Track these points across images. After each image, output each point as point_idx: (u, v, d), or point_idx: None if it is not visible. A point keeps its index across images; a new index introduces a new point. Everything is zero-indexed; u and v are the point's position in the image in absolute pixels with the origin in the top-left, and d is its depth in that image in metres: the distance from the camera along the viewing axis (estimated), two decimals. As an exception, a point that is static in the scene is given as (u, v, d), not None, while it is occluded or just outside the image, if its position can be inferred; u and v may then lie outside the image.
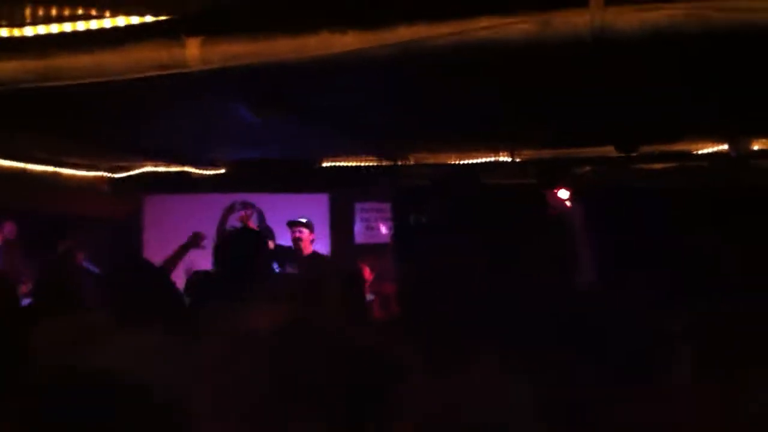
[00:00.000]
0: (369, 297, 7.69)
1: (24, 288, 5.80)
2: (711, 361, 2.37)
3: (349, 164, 7.77)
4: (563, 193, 7.65)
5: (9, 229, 6.85)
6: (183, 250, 5.01)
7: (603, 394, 2.34)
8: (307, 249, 7.13)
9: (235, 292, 3.32)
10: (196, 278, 4.51)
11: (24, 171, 7.26)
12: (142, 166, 8.13)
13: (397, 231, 9.24)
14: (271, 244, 8.40)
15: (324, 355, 2.17)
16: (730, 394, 2.24)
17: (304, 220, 7.09)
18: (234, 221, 9.52)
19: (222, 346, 2.47)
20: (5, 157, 6.92)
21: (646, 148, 6.52)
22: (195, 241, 5.13)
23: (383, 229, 9.34)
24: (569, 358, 2.57)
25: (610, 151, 6.52)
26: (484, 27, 2.68)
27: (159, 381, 2.25)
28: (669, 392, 2.27)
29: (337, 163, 7.81)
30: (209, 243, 9.43)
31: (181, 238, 7.21)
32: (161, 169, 8.08)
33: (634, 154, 6.49)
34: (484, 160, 7.23)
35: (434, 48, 2.75)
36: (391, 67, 2.79)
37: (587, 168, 7.10)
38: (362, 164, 7.76)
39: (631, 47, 2.74)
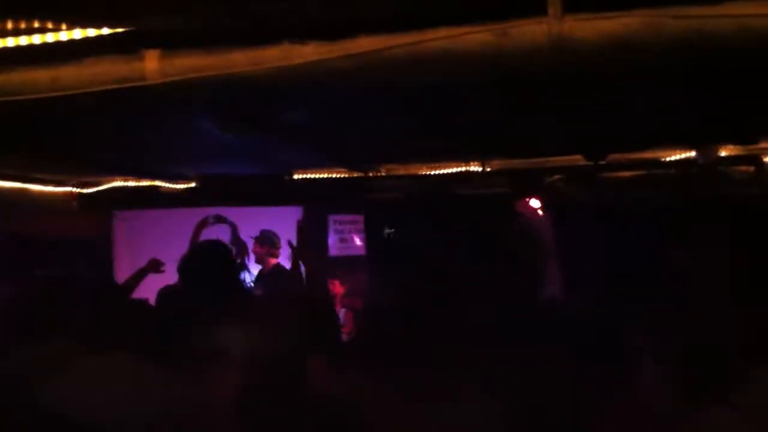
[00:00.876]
0: (340, 311, 7.67)
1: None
2: (676, 378, 2.38)
3: (321, 176, 7.75)
4: (534, 203, 7.69)
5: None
6: (141, 273, 4.93)
7: (565, 408, 2.34)
8: (270, 263, 7.15)
9: (199, 309, 3.28)
10: (164, 293, 4.45)
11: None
12: (112, 180, 8.05)
13: (370, 243, 9.23)
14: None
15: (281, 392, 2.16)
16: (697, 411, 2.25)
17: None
18: (208, 236, 9.47)
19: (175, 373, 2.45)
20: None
21: (615, 157, 6.56)
22: (152, 267, 5.03)
23: (357, 241, 9.33)
24: (534, 372, 2.57)
25: (579, 159, 6.56)
26: (443, 37, 2.69)
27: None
28: (631, 408, 2.27)
29: (309, 176, 7.79)
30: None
31: (154, 254, 7.15)
32: (131, 183, 8.00)
33: (603, 163, 6.54)
34: (455, 170, 7.24)
35: (394, 58, 2.75)
36: (351, 78, 2.78)
37: (557, 177, 7.13)
38: (334, 176, 7.74)
39: (591, 56, 2.75)
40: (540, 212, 7.79)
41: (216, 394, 2.28)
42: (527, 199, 7.49)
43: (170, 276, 5.29)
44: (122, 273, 7.02)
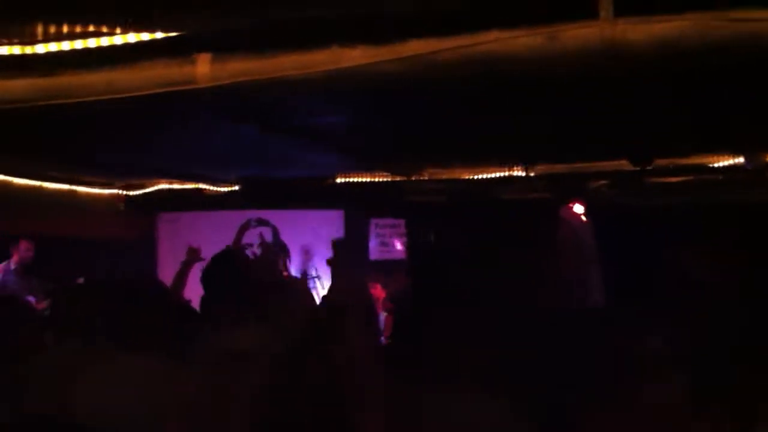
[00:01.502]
0: (381, 315, 7.67)
1: (40, 306, 5.82)
2: (713, 390, 2.34)
3: (363, 180, 7.77)
4: (577, 208, 7.61)
5: (25, 247, 6.85)
6: (185, 268, 4.94)
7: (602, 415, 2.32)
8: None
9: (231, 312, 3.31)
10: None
11: (40, 189, 7.31)
12: (157, 183, 8.17)
13: (412, 248, 9.22)
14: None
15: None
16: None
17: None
18: (250, 239, 9.54)
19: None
20: (22, 176, 6.97)
21: (661, 162, 6.47)
22: (192, 256, 5.04)
23: (398, 246, 9.33)
24: (571, 379, 2.55)
25: (624, 164, 6.48)
26: (493, 40, 2.67)
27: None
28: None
29: (352, 179, 7.81)
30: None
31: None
32: (176, 186, 8.11)
33: (649, 168, 6.45)
34: (498, 174, 7.20)
35: (443, 62, 2.74)
36: (399, 81, 2.78)
37: (602, 182, 7.05)
38: (376, 180, 7.75)
39: (642, 59, 2.72)
40: (583, 218, 7.72)
41: (245, 397, 2.30)
42: (571, 205, 7.42)
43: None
44: (166, 273, 7.11)
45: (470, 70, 2.83)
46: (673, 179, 6.92)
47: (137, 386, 2.58)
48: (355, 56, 2.74)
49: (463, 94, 3.57)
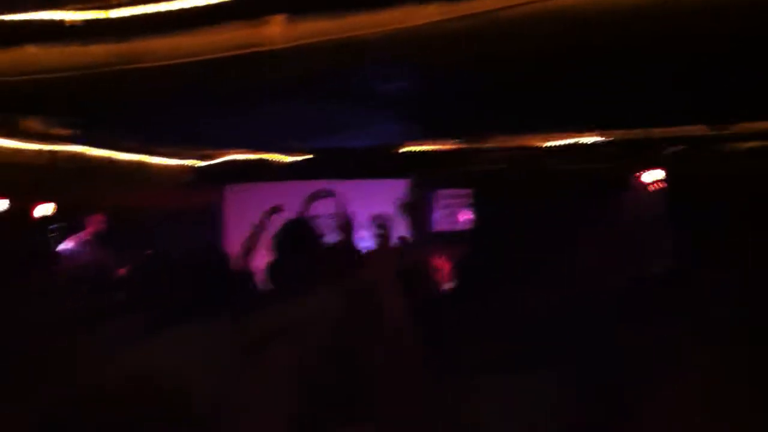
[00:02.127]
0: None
1: (118, 272, 5.95)
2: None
3: (430, 149, 7.70)
4: (650, 175, 7.41)
5: (98, 219, 6.98)
6: (259, 228, 4.81)
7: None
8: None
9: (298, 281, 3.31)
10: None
11: (112, 160, 7.44)
12: (226, 154, 8.25)
13: (478, 218, 9.14)
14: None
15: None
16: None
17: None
18: (317, 210, 9.59)
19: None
20: (95, 146, 7.10)
21: (740, 126, 6.23)
22: (271, 213, 4.92)
23: (464, 216, 9.25)
24: (646, 350, 2.48)
25: (701, 129, 6.26)
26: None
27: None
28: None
29: (418, 148, 7.76)
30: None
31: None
32: (244, 157, 8.17)
33: (727, 132, 6.21)
34: (568, 141, 7.04)
35: (517, 17, 2.67)
36: (472, 38, 2.71)
37: (677, 148, 6.82)
38: (443, 148, 7.67)
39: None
40: (657, 186, 7.52)
41: (310, 362, 2.30)
42: (643, 172, 7.23)
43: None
44: (232, 244, 7.18)
45: (543, 26, 2.75)
46: (754, 144, 6.64)
47: (206, 354, 2.61)
48: (428, 13, 2.68)
49: (535, 53, 3.47)
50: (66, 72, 3.10)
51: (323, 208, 9.87)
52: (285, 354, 2.43)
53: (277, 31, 2.78)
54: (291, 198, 9.65)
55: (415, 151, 7.80)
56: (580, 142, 6.97)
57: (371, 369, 2.18)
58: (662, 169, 6.49)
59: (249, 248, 4.65)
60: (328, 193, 9.79)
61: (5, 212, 6.69)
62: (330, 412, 2.13)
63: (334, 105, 4.80)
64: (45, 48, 3.08)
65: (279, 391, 2.28)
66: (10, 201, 6.82)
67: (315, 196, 9.62)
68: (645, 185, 7.36)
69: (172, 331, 2.71)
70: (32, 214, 7.12)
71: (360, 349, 2.20)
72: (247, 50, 2.83)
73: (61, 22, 2.96)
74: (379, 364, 2.18)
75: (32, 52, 3.13)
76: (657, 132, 6.67)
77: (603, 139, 6.89)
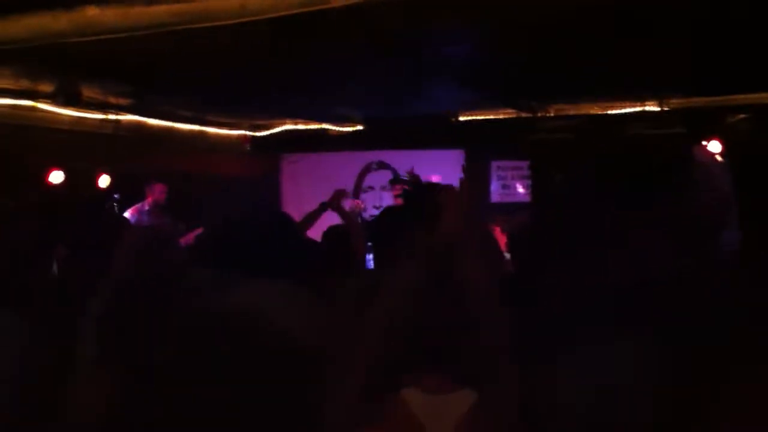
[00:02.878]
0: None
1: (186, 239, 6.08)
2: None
3: (487, 118, 7.61)
4: (713, 146, 7.21)
5: (159, 189, 7.09)
6: (322, 208, 4.77)
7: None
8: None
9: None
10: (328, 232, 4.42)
11: (170, 130, 7.53)
12: (282, 124, 8.29)
13: (535, 190, 9.02)
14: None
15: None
16: None
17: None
18: (371, 181, 9.64)
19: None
20: (154, 116, 7.19)
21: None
22: (337, 197, 4.84)
23: (520, 188, 9.15)
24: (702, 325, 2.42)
25: (766, 98, 6.07)
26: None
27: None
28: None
29: (474, 117, 7.67)
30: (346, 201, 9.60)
31: (317, 196, 7.21)
32: (300, 127, 8.20)
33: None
34: (629, 110, 6.88)
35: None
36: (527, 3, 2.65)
37: (741, 116, 6.62)
38: (500, 117, 7.57)
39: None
40: (720, 157, 7.31)
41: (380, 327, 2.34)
42: (707, 142, 7.04)
43: (332, 217, 5.36)
44: (289, 211, 7.23)
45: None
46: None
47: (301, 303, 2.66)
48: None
49: (592, 23, 3.39)
50: (128, 32, 3.12)
51: (377, 180, 9.88)
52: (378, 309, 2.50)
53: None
54: (346, 168, 9.67)
55: (470, 120, 7.72)
56: (642, 110, 6.81)
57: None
58: (724, 140, 6.30)
59: (305, 225, 4.66)
60: (381, 166, 9.77)
61: (69, 182, 6.81)
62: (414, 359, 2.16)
63: (390, 70, 4.77)
64: (106, 8, 3.10)
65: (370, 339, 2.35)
66: (73, 170, 6.95)
67: (368, 169, 9.62)
68: (706, 157, 7.16)
69: (265, 284, 2.77)
70: (97, 183, 7.25)
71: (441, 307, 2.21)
72: (311, 8, 2.81)
73: (124, -17, 2.99)
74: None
75: (93, 14, 3.15)
76: (719, 100, 6.48)
77: (664, 108, 6.72)
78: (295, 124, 8.15)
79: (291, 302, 2.62)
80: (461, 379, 2.08)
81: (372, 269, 4.10)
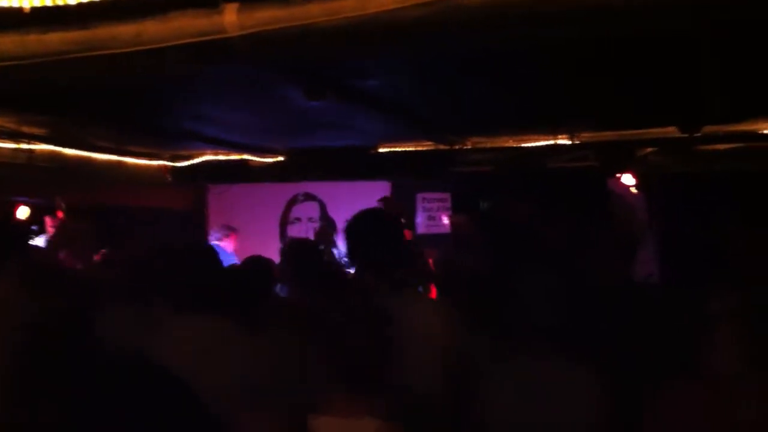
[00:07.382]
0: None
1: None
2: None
3: (407, 149, 7.70)
4: (627, 179, 7.44)
5: (49, 223, 6.91)
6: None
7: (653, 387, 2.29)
8: None
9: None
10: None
11: (88, 160, 7.42)
12: (203, 154, 8.24)
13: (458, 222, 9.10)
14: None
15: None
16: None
17: None
18: (298, 213, 9.62)
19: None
20: (71, 146, 7.09)
21: (711, 129, 6.28)
22: None
23: (445, 220, 9.25)
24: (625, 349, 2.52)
25: (672, 131, 6.31)
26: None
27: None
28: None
29: (395, 149, 7.76)
30: (274, 233, 9.53)
31: (244, 226, 7.18)
32: (221, 157, 8.17)
33: (698, 135, 6.26)
34: (543, 143, 7.07)
35: (475, 7, 2.65)
36: (429, 29, 2.72)
37: (649, 150, 6.86)
38: (420, 149, 7.67)
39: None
40: (634, 190, 7.55)
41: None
42: (620, 176, 7.26)
43: (259, 247, 5.38)
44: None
45: (503, 20, 2.73)
46: (723, 146, 6.69)
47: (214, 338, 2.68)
48: (383, 2, 2.69)
49: (498, 47, 3.49)
50: (25, 60, 3.10)
51: (304, 212, 9.85)
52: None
53: (231, 19, 2.79)
54: (272, 199, 9.62)
55: (392, 152, 7.80)
56: (555, 143, 7.00)
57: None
58: (635, 171, 6.53)
59: None
60: (308, 197, 9.76)
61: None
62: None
63: (308, 104, 4.80)
64: (4, 36, 3.07)
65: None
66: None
67: (295, 200, 9.60)
68: (620, 189, 7.39)
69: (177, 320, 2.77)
70: (15, 215, 7.10)
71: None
72: (204, 38, 2.84)
73: (20, 9, 2.97)
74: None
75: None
76: (629, 134, 6.72)
77: (577, 141, 6.93)
78: (216, 154, 8.12)
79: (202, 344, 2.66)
80: (372, 407, 2.12)
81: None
